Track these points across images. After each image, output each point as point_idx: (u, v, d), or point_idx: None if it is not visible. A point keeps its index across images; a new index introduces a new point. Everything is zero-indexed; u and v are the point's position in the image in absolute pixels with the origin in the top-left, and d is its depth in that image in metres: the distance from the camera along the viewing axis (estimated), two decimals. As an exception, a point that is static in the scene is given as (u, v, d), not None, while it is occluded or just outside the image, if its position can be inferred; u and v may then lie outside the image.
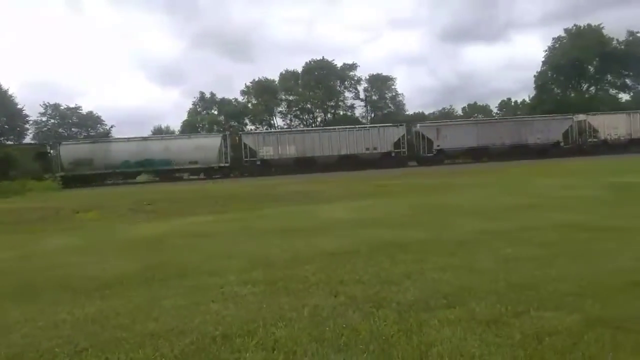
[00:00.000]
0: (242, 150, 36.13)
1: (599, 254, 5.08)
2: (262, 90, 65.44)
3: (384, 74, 67.68)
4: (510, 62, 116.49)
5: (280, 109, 67.58)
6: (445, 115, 73.10)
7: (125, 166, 34.98)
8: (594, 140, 38.88)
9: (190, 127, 63.99)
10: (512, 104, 77.45)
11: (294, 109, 66.63)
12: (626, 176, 15.64)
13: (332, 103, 66.43)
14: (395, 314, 3.49)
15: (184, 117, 69.62)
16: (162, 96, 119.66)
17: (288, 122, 67.28)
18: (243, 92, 67.97)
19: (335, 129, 39.66)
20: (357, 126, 42.00)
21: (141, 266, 5.67)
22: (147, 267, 5.61)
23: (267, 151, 36.15)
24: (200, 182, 31.02)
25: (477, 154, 38.36)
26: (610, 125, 39.09)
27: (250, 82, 67.38)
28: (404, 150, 37.29)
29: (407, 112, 68.19)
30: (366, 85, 67.06)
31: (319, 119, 66.71)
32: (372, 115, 66.89)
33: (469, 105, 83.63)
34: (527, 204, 9.97)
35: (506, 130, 38.66)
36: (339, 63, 65.87)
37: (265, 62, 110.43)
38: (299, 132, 39.77)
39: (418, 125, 39.15)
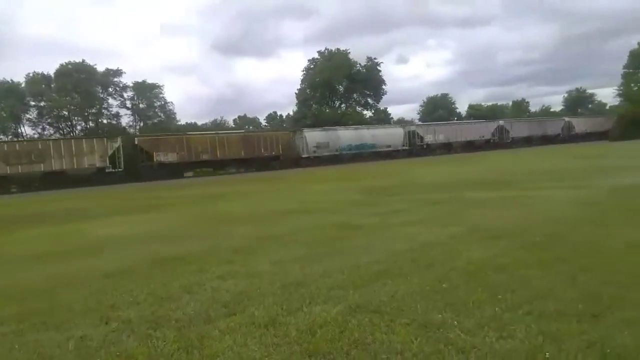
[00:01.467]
0: (415, 137, 49.57)
1: (355, 249, 5.83)
2: (4, 94, 55.10)
3: (151, 81, 64.35)
4: (279, 78, 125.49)
5: (29, 115, 58.15)
6: (217, 125, 73.90)
7: (348, 149, 44.87)
8: None
9: None
10: (278, 117, 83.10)
11: (46, 117, 58.10)
12: (379, 180, 18.44)
13: (94, 110, 60.17)
14: (174, 331, 3.36)
15: None
16: None
17: (40, 131, 58.28)
18: (-21, 96, 56.05)
19: (465, 122, 60.47)
20: (476, 120, 63.42)
21: None
22: None
23: (429, 138, 50.89)
24: None
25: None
26: None
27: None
28: (499, 137, 55.34)
29: (179, 122, 66.58)
30: (132, 93, 62.76)
31: (79, 128, 59.70)
32: (141, 124, 62.98)
33: (239, 117, 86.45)
34: (296, 209, 10.85)
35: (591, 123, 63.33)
36: (102, 67, 60.06)
37: (10, 62, 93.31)
38: (445, 124, 56.74)
39: (501, 121, 58.97)
